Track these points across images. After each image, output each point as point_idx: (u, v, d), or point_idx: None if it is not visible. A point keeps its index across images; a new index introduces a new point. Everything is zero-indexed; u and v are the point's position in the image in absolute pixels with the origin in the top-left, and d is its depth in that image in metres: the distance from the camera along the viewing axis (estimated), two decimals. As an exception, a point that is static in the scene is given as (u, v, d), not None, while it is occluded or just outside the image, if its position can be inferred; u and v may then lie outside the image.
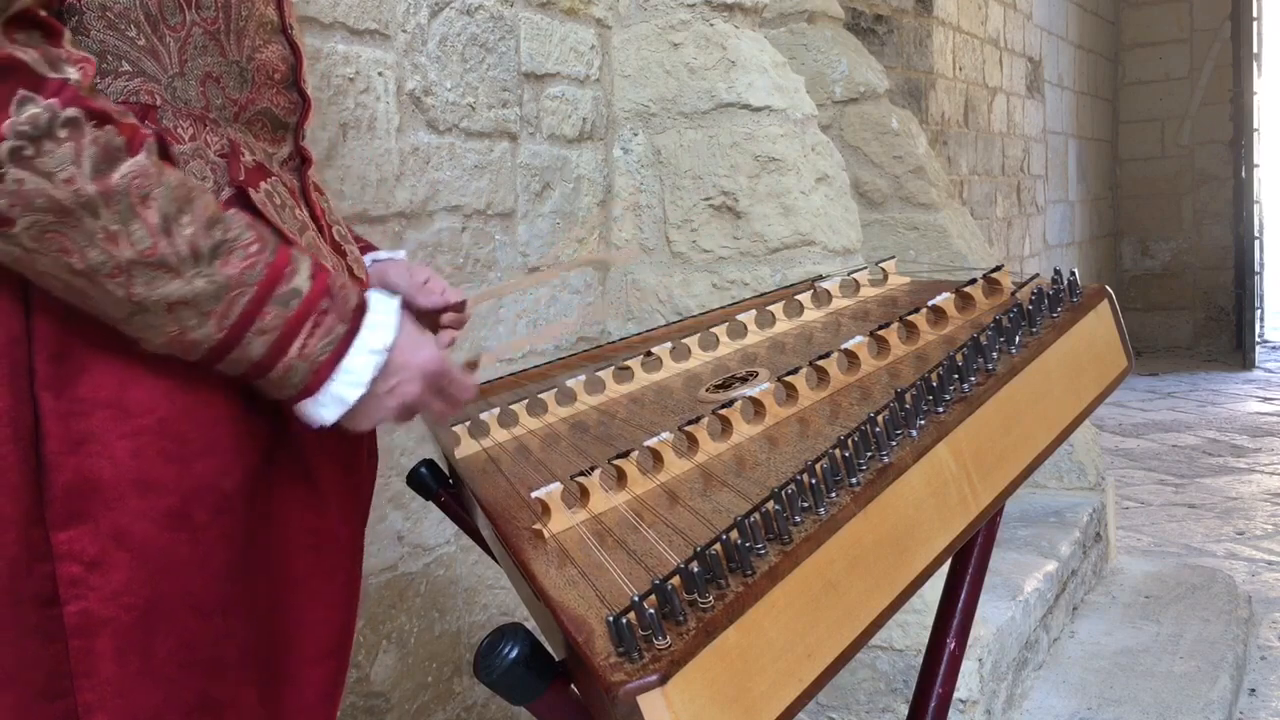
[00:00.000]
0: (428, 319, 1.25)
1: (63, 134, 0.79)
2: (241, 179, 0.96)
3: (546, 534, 0.94)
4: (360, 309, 0.94)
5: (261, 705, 0.96)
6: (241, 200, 0.95)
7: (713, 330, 1.40)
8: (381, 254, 1.29)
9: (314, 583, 1.01)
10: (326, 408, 0.93)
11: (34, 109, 0.78)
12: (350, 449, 1.06)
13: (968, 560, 1.18)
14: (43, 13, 0.82)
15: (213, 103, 0.96)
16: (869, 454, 0.88)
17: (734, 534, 0.77)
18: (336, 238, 1.11)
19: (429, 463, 1.38)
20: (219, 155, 0.96)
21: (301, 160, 1.07)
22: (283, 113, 1.03)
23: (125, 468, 0.86)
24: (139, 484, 0.87)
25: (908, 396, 0.94)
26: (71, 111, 0.80)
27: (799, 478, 0.83)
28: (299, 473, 0.99)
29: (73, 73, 0.81)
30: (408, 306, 1.20)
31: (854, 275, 1.46)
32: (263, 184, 0.98)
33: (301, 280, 0.90)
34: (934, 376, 0.96)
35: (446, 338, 1.28)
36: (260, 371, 0.90)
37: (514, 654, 0.78)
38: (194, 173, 0.93)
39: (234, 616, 0.93)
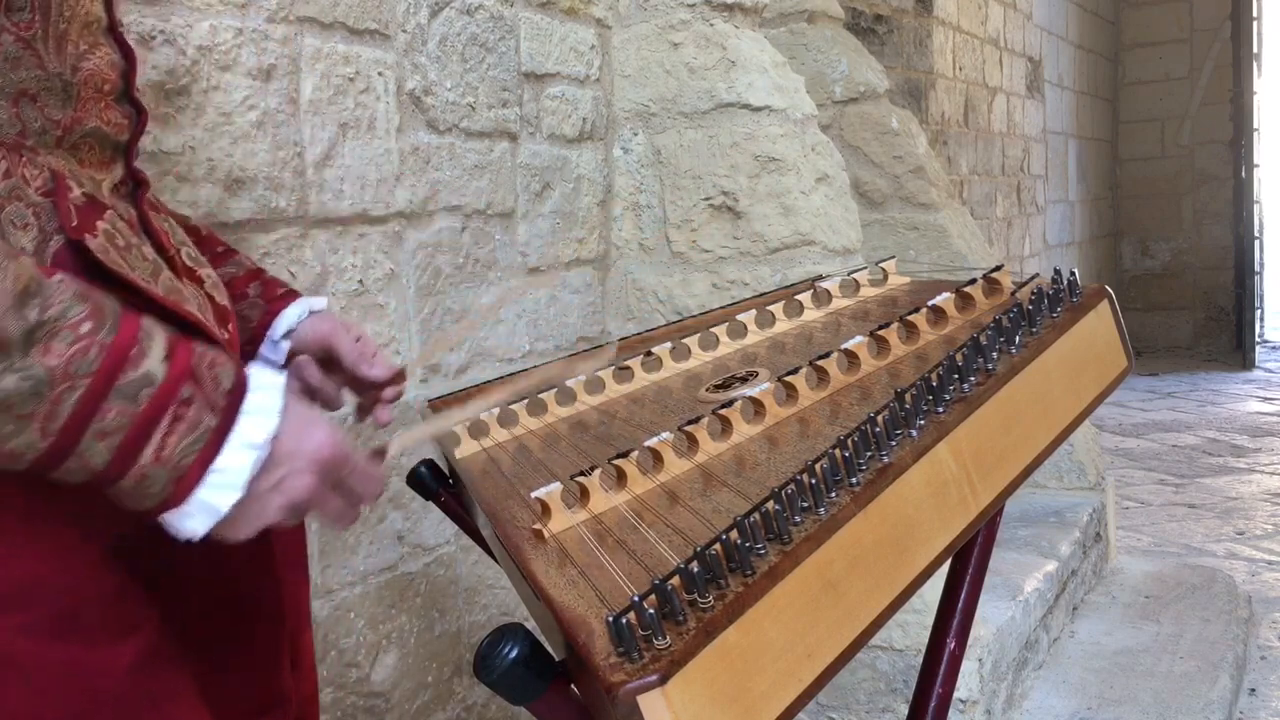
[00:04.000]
0: (366, 389, 1.13)
1: None
2: (74, 224, 0.80)
3: (546, 534, 0.94)
4: (237, 391, 0.77)
5: None
6: (76, 253, 0.79)
7: (713, 330, 1.40)
8: (316, 302, 1.14)
9: (224, 627, 0.92)
10: (194, 518, 0.76)
11: None
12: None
13: (968, 560, 1.18)
14: None
15: (29, 126, 0.80)
16: (869, 454, 0.88)
17: (734, 534, 0.77)
18: (188, 262, 0.95)
19: (429, 463, 1.38)
20: (41, 194, 0.79)
21: (136, 184, 0.92)
22: (114, 130, 0.88)
23: None
24: (15, 593, 0.74)
25: (908, 396, 0.94)
26: None
27: (799, 478, 0.83)
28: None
29: None
30: (341, 371, 1.09)
31: (854, 275, 1.46)
32: (100, 224, 0.82)
33: (153, 363, 0.72)
34: (934, 376, 0.96)
35: (386, 414, 1.14)
36: (106, 482, 0.73)
37: (514, 654, 0.78)
38: (12, 219, 0.77)
39: (167, 705, 0.82)
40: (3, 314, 0.66)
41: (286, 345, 1.11)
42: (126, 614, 0.79)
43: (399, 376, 1.14)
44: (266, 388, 0.78)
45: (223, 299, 0.98)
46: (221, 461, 0.75)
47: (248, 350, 1.10)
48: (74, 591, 0.76)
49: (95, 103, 0.85)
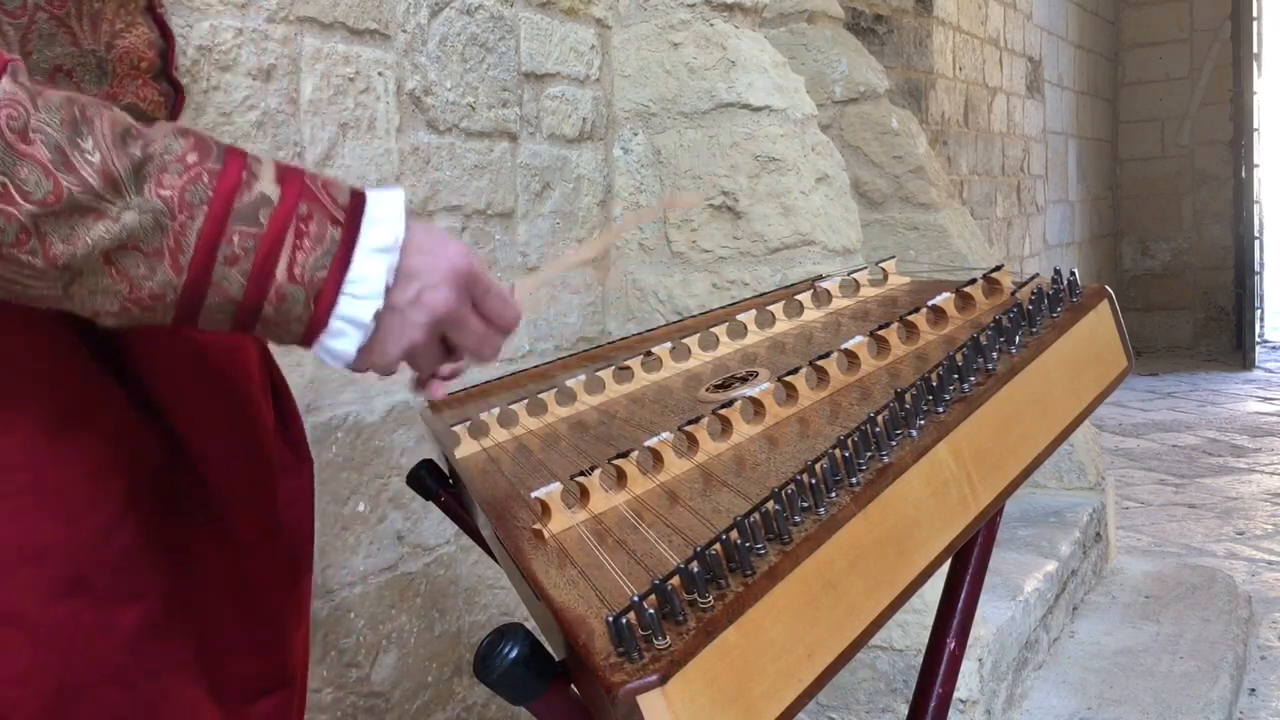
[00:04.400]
0: None
1: None
2: None
3: (546, 534, 0.94)
4: (356, 202, 0.76)
5: None
6: None
7: (713, 330, 1.40)
8: None
9: (234, 605, 0.90)
10: (343, 336, 0.75)
11: None
12: (253, 443, 0.92)
13: (968, 560, 1.18)
14: None
15: None
16: (869, 454, 0.88)
17: (734, 534, 0.77)
18: None
19: (429, 463, 1.38)
20: None
21: None
22: (150, 108, 0.87)
23: (6, 536, 0.74)
24: (23, 553, 0.74)
25: (908, 396, 0.94)
26: None
27: (799, 478, 0.83)
28: (208, 513, 0.87)
29: None
30: None
31: (854, 275, 1.46)
32: None
33: (266, 185, 0.72)
34: (934, 376, 0.96)
35: (439, 389, 1.09)
36: (250, 315, 0.72)
37: (514, 654, 0.78)
38: None
39: (167, 676, 0.82)
40: (108, 154, 0.67)
41: None
42: (133, 581, 0.79)
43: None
44: (387, 199, 0.77)
45: None
46: (355, 271, 0.74)
47: None
48: (82, 554, 0.76)
49: (131, 79, 0.84)
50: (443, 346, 0.83)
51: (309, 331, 0.75)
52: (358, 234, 0.74)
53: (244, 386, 0.95)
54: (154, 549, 0.82)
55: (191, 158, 0.70)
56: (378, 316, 0.76)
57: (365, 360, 0.78)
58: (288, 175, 0.73)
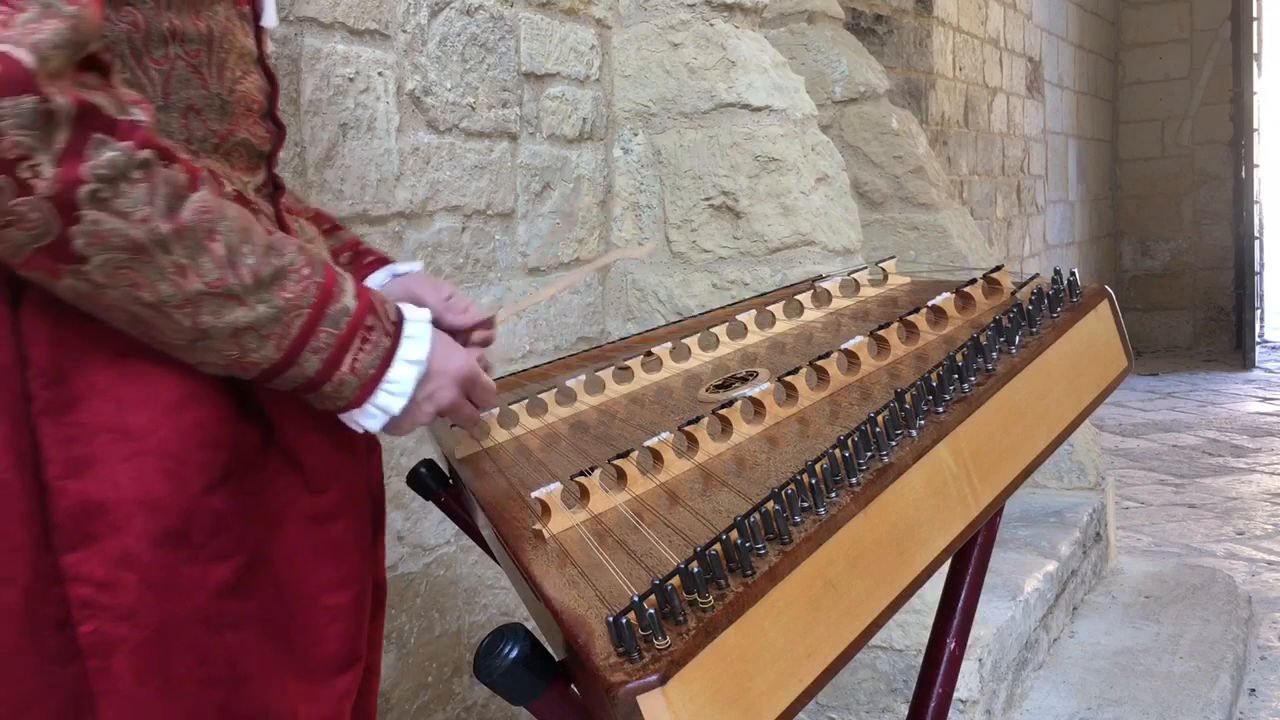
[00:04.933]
0: (455, 336, 1.26)
1: (137, 175, 0.81)
2: None
3: (546, 534, 0.94)
4: (399, 322, 1.00)
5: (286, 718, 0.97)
6: None
7: (713, 330, 1.40)
8: (400, 267, 1.29)
9: (321, 574, 1.01)
10: (373, 418, 0.99)
11: (110, 152, 0.79)
12: (339, 432, 1.06)
13: (968, 560, 1.18)
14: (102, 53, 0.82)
15: (194, 134, 0.96)
16: (869, 454, 0.88)
17: (734, 534, 0.77)
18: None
19: (429, 463, 1.38)
20: None
21: (275, 187, 1.08)
22: (259, 142, 1.03)
23: (128, 489, 0.87)
24: (142, 505, 0.87)
25: (908, 396, 0.94)
26: (145, 153, 0.81)
27: (799, 478, 0.83)
28: (290, 464, 1.00)
29: (139, 114, 0.82)
30: (436, 322, 1.22)
31: (854, 275, 1.46)
32: None
33: (349, 299, 0.95)
34: (934, 376, 0.96)
35: (476, 354, 1.28)
36: (313, 387, 0.95)
37: (514, 654, 0.78)
38: None
39: (247, 630, 0.93)
40: (259, 262, 0.89)
41: None
42: (226, 541, 0.92)
43: (487, 323, 1.27)
44: (419, 319, 1.02)
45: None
46: (392, 374, 0.98)
47: None
48: (187, 512, 0.89)
49: (245, 118, 1.01)
50: (438, 418, 1.09)
51: (347, 408, 0.98)
52: (398, 346, 0.99)
53: None
54: (244, 518, 0.94)
55: (305, 270, 0.92)
56: (403, 408, 1.00)
57: (384, 431, 1.02)
58: (361, 292, 0.97)
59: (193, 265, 0.85)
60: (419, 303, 1.22)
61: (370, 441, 1.14)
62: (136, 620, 0.87)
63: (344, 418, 0.99)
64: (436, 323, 1.23)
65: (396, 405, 0.99)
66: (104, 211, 0.80)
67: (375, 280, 1.25)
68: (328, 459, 1.03)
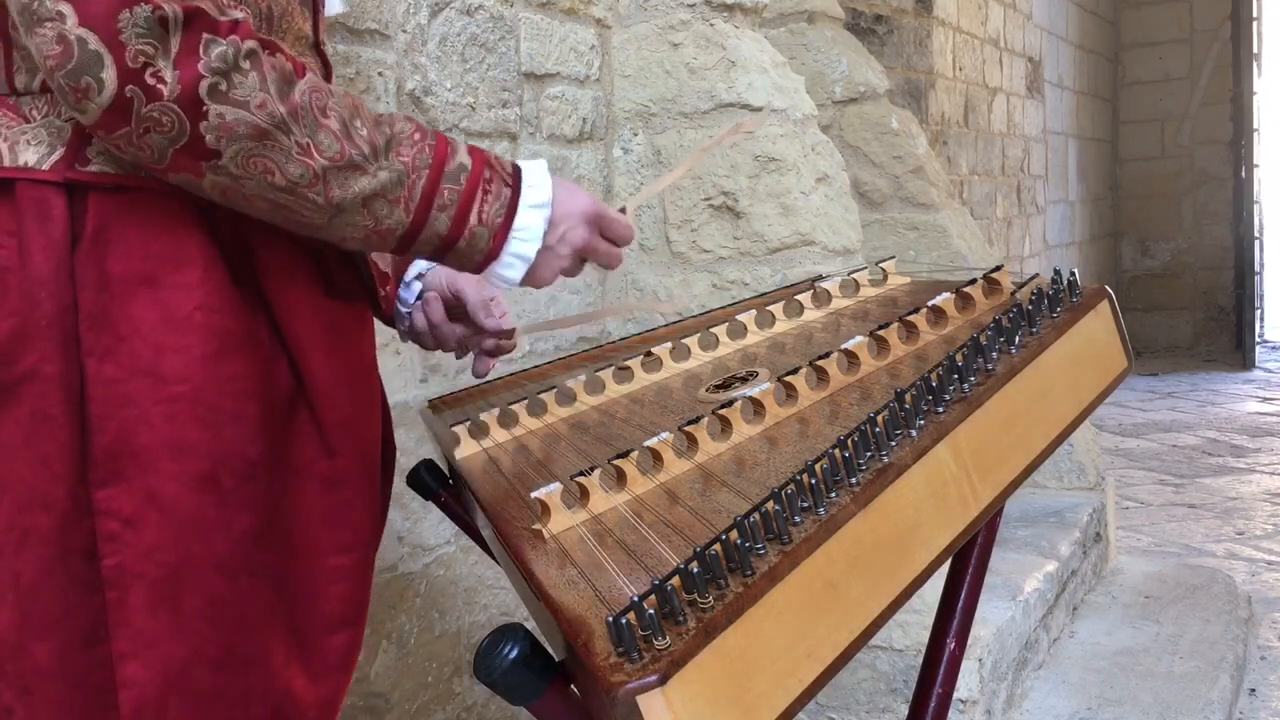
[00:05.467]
0: (477, 335, 1.31)
1: (246, 65, 0.87)
2: None
3: (546, 534, 0.94)
4: (517, 173, 1.04)
5: (285, 667, 1.01)
6: None
7: (713, 330, 1.40)
8: None
9: (329, 536, 1.04)
10: (512, 268, 1.04)
11: (219, 47, 0.86)
12: (364, 384, 1.10)
13: (968, 560, 1.18)
14: None
15: None
16: (869, 454, 0.88)
17: (734, 534, 0.77)
18: None
19: (429, 463, 1.38)
20: None
21: None
22: None
23: (160, 432, 0.92)
24: (172, 448, 0.92)
25: (907, 396, 0.94)
26: (250, 44, 0.88)
27: (799, 478, 0.83)
28: (313, 424, 1.03)
29: (237, 14, 0.89)
30: (465, 318, 1.29)
31: (854, 275, 1.46)
32: None
33: (463, 157, 1.00)
34: (934, 376, 0.96)
35: (485, 365, 1.32)
36: (449, 245, 1.00)
37: (514, 654, 0.78)
38: None
39: (259, 578, 0.97)
40: (373, 132, 0.94)
41: (418, 285, 1.30)
42: (252, 491, 0.96)
43: (507, 334, 1.31)
44: (537, 168, 1.06)
45: (385, 265, 1.21)
46: (520, 220, 1.03)
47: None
48: (218, 459, 0.93)
49: None
50: (579, 262, 1.11)
51: (486, 260, 1.03)
52: (520, 194, 1.03)
53: (358, 339, 1.13)
54: (270, 472, 0.98)
55: (416, 136, 0.97)
56: (539, 253, 1.05)
57: (526, 282, 1.07)
58: (474, 150, 1.01)
59: (313, 143, 0.91)
60: (460, 293, 1.27)
61: (384, 400, 1.18)
62: (155, 558, 0.92)
63: (486, 275, 1.04)
64: (467, 316, 1.29)
65: (531, 250, 1.03)
66: (225, 104, 0.86)
67: (419, 264, 1.28)
68: (347, 414, 1.05)
